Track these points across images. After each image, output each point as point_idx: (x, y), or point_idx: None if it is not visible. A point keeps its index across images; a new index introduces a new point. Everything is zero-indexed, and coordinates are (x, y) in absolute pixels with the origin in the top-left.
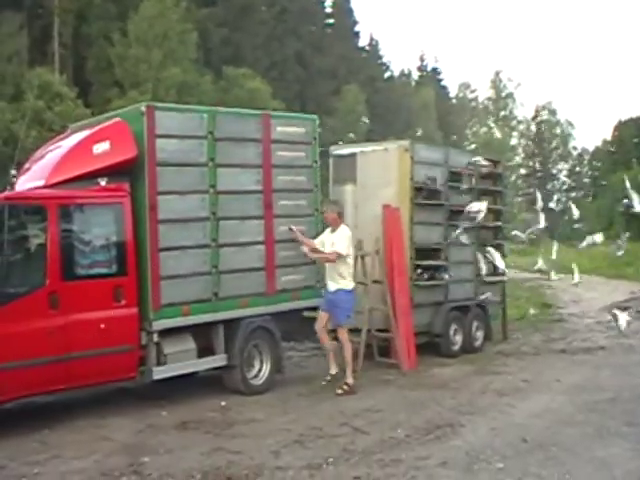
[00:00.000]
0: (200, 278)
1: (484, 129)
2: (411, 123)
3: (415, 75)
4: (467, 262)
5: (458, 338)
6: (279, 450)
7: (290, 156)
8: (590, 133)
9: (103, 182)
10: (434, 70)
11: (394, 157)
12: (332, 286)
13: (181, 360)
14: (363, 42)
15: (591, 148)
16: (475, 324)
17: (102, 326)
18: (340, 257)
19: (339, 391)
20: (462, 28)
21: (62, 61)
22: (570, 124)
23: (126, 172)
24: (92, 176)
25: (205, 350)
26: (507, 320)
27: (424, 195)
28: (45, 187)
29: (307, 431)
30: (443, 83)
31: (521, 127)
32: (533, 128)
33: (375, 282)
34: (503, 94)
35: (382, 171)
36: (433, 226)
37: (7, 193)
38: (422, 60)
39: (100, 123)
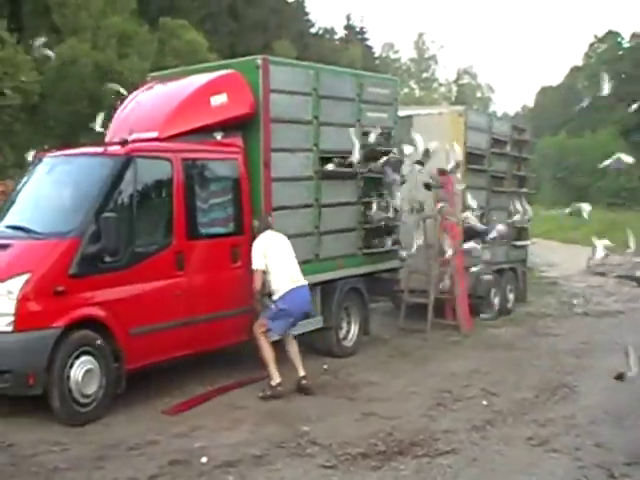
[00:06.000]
0: (305, 239)
1: (406, 90)
2: None
3: (340, 33)
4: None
5: (496, 300)
6: (429, 414)
7: (377, 117)
8: (509, 98)
9: (219, 136)
10: (360, 30)
11: (448, 121)
12: None
13: None
14: None
15: (511, 113)
16: (509, 287)
17: (222, 288)
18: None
19: (261, 394)
20: None
21: None
22: (490, 88)
23: (239, 127)
24: (208, 129)
25: None
26: (527, 283)
27: (472, 160)
28: (158, 139)
29: (437, 394)
30: (368, 43)
31: (442, 89)
32: (454, 91)
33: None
34: (426, 56)
35: (437, 135)
36: (479, 190)
37: (131, 145)
38: (348, 19)
39: (189, 73)
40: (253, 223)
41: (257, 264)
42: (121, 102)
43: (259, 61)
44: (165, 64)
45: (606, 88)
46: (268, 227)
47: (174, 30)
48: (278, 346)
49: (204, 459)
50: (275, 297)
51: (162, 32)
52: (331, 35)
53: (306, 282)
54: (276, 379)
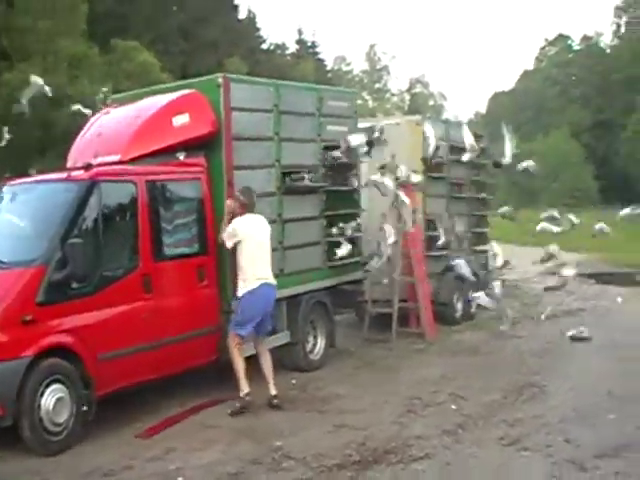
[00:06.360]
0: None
1: (359, 101)
2: None
3: (292, 48)
4: (465, 232)
5: (459, 305)
6: (400, 421)
7: (337, 130)
8: (462, 105)
9: (182, 157)
10: (312, 44)
11: (406, 131)
12: None
13: (250, 340)
14: (242, 15)
15: (464, 120)
16: (471, 291)
17: (190, 308)
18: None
19: (230, 410)
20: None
21: None
22: (443, 96)
23: (201, 146)
24: (170, 150)
25: None
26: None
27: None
28: (121, 162)
29: (407, 401)
30: (320, 56)
31: (395, 99)
32: (407, 100)
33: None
34: (377, 67)
35: (395, 145)
36: (439, 198)
37: (95, 170)
38: (300, 33)
39: (149, 95)
40: (235, 195)
41: (226, 242)
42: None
43: (220, 80)
44: (117, 86)
45: None
46: (252, 209)
47: (126, 52)
48: (253, 363)
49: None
50: (240, 293)
51: (113, 54)
52: (283, 50)
53: (274, 281)
54: (245, 389)
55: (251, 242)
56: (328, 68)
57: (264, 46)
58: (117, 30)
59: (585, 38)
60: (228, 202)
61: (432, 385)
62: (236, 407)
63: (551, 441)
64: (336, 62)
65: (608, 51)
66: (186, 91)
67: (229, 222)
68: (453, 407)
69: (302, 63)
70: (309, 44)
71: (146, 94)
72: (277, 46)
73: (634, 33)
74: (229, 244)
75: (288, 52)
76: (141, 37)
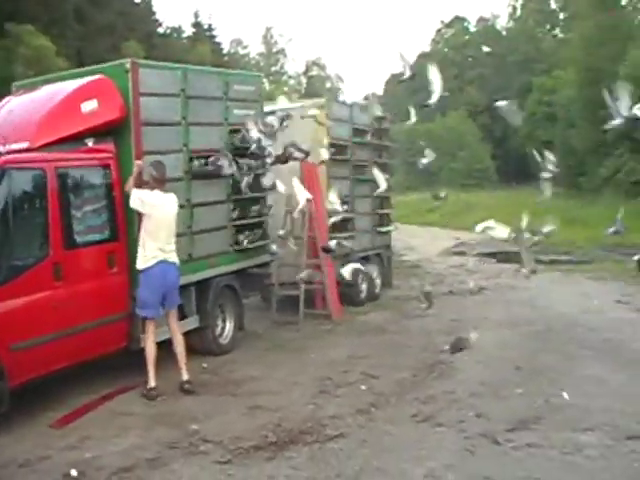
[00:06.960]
0: (178, 239)
1: None
2: None
3: (188, 31)
4: (369, 214)
5: (364, 286)
6: (314, 402)
7: (243, 114)
8: (358, 87)
9: (90, 143)
10: (209, 27)
11: (311, 114)
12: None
13: (161, 325)
14: None
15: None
16: (375, 272)
17: (100, 295)
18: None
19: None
20: None
21: None
22: (340, 78)
23: (110, 132)
24: (79, 136)
25: None
26: (392, 268)
27: (335, 151)
28: (30, 150)
29: (318, 382)
30: (217, 40)
31: (292, 82)
32: (304, 83)
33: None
34: (274, 50)
35: (300, 128)
36: (342, 180)
37: (4, 157)
38: (196, 17)
39: (57, 80)
40: (148, 169)
41: (131, 202)
42: None
43: (128, 65)
44: (13, 72)
45: None
46: (162, 185)
47: (21, 36)
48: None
49: (74, 472)
50: (140, 266)
51: (8, 39)
52: (179, 34)
53: (175, 259)
54: (151, 383)
55: (155, 219)
56: (225, 51)
57: (160, 30)
58: (11, 14)
59: (481, 20)
60: (138, 162)
61: (342, 365)
62: (142, 394)
63: (463, 416)
64: (232, 45)
65: (504, 33)
66: (94, 77)
67: (135, 184)
68: (364, 387)
69: (199, 47)
70: (205, 27)
71: (54, 80)
72: (173, 29)
73: (529, 15)
74: (133, 205)
75: (184, 36)
76: (36, 21)
